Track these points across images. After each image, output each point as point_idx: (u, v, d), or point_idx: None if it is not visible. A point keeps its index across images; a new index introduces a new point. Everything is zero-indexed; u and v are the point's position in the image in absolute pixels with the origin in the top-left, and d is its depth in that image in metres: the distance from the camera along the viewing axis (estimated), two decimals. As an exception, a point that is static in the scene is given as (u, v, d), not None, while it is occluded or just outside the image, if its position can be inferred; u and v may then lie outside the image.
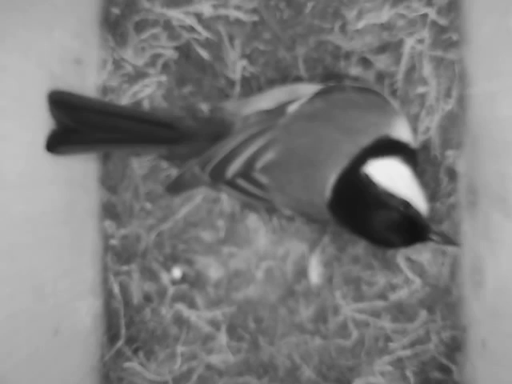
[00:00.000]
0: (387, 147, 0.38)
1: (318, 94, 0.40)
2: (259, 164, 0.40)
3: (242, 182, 0.41)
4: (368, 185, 0.37)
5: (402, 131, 0.39)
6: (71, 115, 0.41)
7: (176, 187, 0.45)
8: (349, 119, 0.39)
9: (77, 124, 0.42)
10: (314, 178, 0.39)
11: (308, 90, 0.41)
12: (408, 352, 0.47)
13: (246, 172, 0.41)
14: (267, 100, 0.42)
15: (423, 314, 0.47)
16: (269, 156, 0.40)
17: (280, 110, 0.41)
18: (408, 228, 0.37)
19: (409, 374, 0.47)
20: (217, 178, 0.41)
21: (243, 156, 0.40)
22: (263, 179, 0.41)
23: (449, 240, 0.39)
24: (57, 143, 0.41)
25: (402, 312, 0.47)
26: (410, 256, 0.48)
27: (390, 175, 0.37)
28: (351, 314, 0.48)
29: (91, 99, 0.45)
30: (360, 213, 0.37)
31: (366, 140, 0.37)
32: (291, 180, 0.40)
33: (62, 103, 0.41)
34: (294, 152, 0.40)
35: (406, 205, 0.37)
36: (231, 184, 0.42)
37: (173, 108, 0.48)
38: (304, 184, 0.40)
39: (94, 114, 0.42)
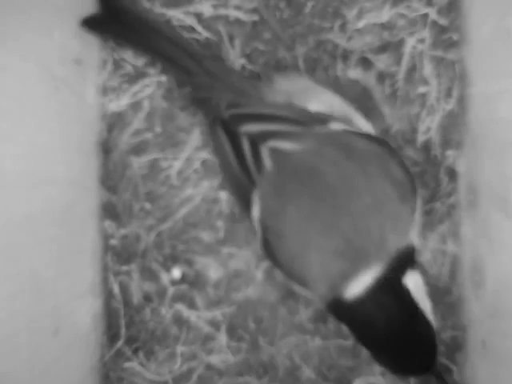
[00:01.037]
0: (411, 254, 0.36)
1: (364, 140, 0.38)
2: (272, 142, 0.38)
3: (245, 144, 0.39)
4: (408, 297, 0.35)
5: (414, 234, 0.37)
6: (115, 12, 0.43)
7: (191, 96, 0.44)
8: (394, 212, 0.36)
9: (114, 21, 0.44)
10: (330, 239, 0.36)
11: (342, 108, 0.40)
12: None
13: (255, 140, 0.39)
14: (314, 101, 0.40)
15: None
16: (287, 145, 0.38)
17: (323, 119, 0.39)
18: (424, 353, 0.36)
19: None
20: (232, 122, 0.39)
21: (267, 126, 0.39)
22: (267, 160, 0.38)
23: None
24: (94, 24, 0.44)
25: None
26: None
27: (417, 287, 0.36)
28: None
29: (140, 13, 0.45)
30: (390, 324, 0.35)
31: (402, 243, 0.36)
32: (289, 200, 0.37)
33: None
34: (311, 170, 0.37)
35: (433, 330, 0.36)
36: (234, 138, 0.40)
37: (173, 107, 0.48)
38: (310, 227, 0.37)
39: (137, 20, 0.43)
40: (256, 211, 0.40)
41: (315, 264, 0.36)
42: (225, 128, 0.40)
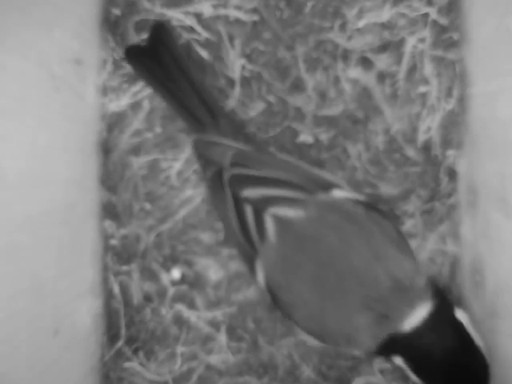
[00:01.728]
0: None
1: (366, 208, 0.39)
2: (275, 209, 0.39)
3: (248, 210, 0.39)
4: (463, 329, 0.36)
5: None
6: (157, 45, 0.44)
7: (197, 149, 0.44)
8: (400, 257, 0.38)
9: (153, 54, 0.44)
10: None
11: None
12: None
13: (258, 207, 0.39)
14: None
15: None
16: (289, 212, 0.38)
17: (326, 185, 0.40)
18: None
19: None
20: (234, 184, 0.40)
21: (270, 191, 0.39)
22: (270, 229, 0.39)
23: None
24: (134, 55, 0.45)
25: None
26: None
27: (468, 322, 0.37)
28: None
29: (178, 49, 0.45)
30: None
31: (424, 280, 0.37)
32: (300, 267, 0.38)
33: (158, 31, 0.44)
34: (312, 238, 0.38)
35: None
36: (237, 202, 0.40)
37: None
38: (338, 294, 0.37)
39: (172, 58, 0.44)
40: (261, 278, 0.40)
41: (345, 324, 0.37)
42: (231, 190, 0.40)
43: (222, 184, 0.41)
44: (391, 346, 0.37)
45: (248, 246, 0.40)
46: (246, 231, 0.40)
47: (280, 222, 0.39)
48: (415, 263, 0.38)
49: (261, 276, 0.40)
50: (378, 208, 0.42)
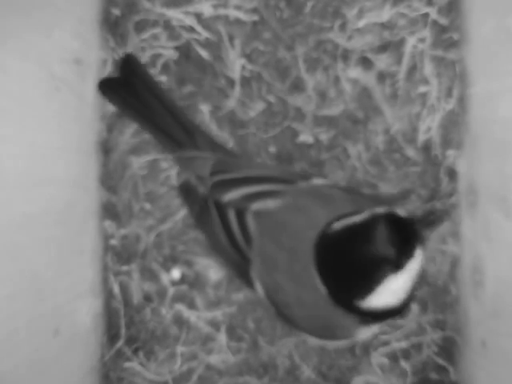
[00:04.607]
0: None
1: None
2: (257, 204, 0.39)
3: (232, 217, 0.39)
4: None
5: None
6: (129, 76, 0.45)
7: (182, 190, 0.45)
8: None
9: (126, 86, 0.45)
10: None
11: None
12: (405, 351, 0.47)
13: (240, 208, 0.39)
14: None
15: (421, 313, 0.47)
16: (270, 204, 0.38)
17: (307, 175, 0.40)
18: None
19: (407, 374, 0.47)
20: (216, 190, 0.40)
21: (251, 188, 0.39)
22: (251, 225, 0.38)
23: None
24: (108, 87, 0.46)
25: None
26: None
27: None
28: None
29: (150, 78, 0.46)
30: None
31: None
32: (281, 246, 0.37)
33: (128, 63, 0.45)
34: (282, 225, 0.37)
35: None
36: (222, 212, 0.40)
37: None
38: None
39: (145, 88, 0.45)
40: (259, 288, 0.39)
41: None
42: (214, 199, 0.40)
43: (208, 206, 0.41)
44: None
45: (239, 258, 0.39)
46: (233, 241, 0.39)
47: (259, 216, 0.38)
48: None
49: (258, 286, 0.39)
50: (358, 191, 0.42)
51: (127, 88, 0.45)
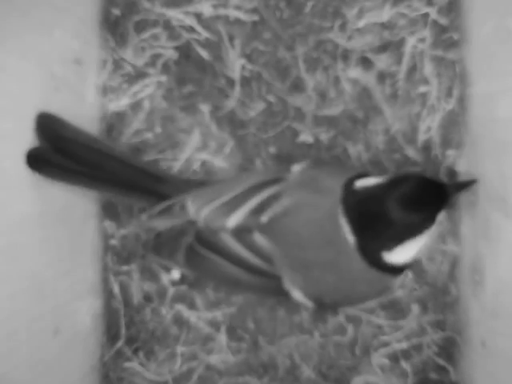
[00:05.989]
0: None
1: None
2: (265, 217, 0.38)
3: (237, 247, 0.38)
4: None
5: None
6: (55, 142, 0.39)
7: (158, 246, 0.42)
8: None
9: (58, 152, 0.39)
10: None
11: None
12: (405, 351, 0.47)
13: (248, 227, 0.38)
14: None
15: (421, 313, 0.47)
16: (278, 208, 0.37)
17: (284, 168, 0.40)
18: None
19: (407, 374, 0.47)
20: (214, 225, 0.38)
21: (249, 204, 0.38)
22: (264, 243, 0.38)
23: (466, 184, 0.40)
24: (38, 161, 0.38)
25: (399, 310, 0.47)
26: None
27: None
28: (351, 313, 0.48)
29: (80, 132, 0.41)
30: None
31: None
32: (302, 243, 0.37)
33: (48, 127, 0.39)
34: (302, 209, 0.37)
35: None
36: (223, 251, 0.38)
37: (173, 107, 0.48)
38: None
39: (80, 147, 0.40)
40: (298, 294, 0.39)
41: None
42: (205, 242, 0.39)
43: (193, 249, 0.39)
44: None
45: (264, 280, 0.39)
46: (249, 267, 0.38)
47: (270, 226, 0.38)
48: None
49: (296, 293, 0.39)
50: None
51: (62, 152, 0.39)
